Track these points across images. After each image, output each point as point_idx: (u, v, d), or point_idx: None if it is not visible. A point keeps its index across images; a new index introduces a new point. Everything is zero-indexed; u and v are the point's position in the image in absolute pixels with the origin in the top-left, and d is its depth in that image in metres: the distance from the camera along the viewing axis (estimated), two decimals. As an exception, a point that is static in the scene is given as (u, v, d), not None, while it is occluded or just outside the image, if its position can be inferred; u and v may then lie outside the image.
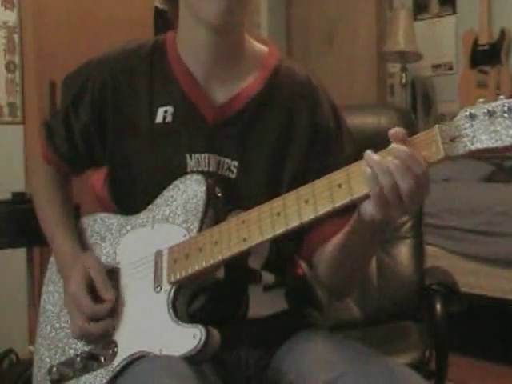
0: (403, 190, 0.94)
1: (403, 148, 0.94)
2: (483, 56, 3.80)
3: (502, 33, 3.76)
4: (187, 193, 1.17)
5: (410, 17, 4.04)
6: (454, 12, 4.04)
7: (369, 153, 0.97)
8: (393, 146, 0.96)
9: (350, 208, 1.06)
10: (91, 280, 1.20)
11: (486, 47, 3.80)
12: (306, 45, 4.51)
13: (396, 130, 0.96)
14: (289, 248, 1.26)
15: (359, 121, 1.87)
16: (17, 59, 3.23)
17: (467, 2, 3.96)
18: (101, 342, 1.19)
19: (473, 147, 0.89)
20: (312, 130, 1.25)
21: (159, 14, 3.48)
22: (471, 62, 3.85)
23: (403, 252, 1.92)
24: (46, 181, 1.38)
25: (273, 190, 1.08)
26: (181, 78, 1.25)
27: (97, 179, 1.33)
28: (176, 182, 1.20)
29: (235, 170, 1.22)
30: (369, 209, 0.98)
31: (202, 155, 1.22)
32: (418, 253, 1.93)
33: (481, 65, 3.81)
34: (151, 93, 1.25)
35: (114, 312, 1.18)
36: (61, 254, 1.28)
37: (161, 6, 3.24)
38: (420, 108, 4.11)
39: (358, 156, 1.00)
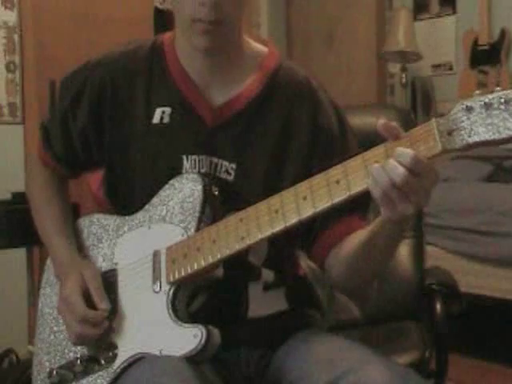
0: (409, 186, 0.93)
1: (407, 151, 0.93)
2: (483, 56, 3.79)
3: (502, 33, 3.75)
4: (184, 192, 1.17)
5: (410, 17, 4.03)
6: (454, 12, 4.03)
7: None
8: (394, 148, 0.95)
9: (363, 205, 1.07)
10: (87, 288, 1.19)
11: (485, 47, 3.79)
12: (306, 45, 4.51)
13: (389, 125, 0.95)
14: (288, 246, 1.26)
15: (359, 121, 1.86)
16: (17, 59, 3.23)
17: (467, 1, 3.95)
18: (100, 344, 1.18)
19: (470, 140, 0.89)
20: (313, 131, 1.23)
21: (159, 14, 3.48)
22: (471, 61, 3.84)
23: (403, 252, 1.92)
24: (42, 183, 1.38)
25: (271, 193, 1.07)
26: (178, 79, 1.25)
27: (93, 179, 1.33)
28: (172, 182, 1.19)
29: (233, 173, 1.21)
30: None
31: (199, 157, 1.21)
32: (418, 253, 1.92)
33: (481, 65, 3.80)
34: (149, 93, 1.25)
35: (113, 314, 1.18)
36: (58, 258, 1.28)
37: (161, 6, 3.25)
38: (420, 108, 4.10)
39: None
